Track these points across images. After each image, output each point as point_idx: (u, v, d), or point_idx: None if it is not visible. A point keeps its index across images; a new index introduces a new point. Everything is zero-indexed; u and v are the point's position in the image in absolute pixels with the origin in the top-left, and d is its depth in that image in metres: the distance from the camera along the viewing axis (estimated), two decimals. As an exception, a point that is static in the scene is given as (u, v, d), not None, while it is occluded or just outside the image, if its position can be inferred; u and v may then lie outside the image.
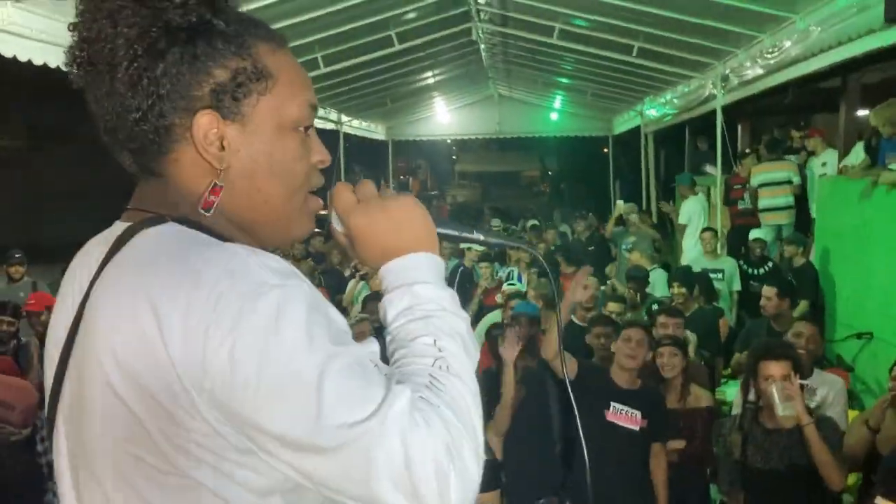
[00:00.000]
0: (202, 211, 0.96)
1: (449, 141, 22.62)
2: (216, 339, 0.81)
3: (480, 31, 9.79)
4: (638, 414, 3.93)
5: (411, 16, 8.48)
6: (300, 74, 1.02)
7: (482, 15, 9.21)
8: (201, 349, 0.81)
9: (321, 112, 11.85)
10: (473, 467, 0.87)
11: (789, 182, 8.19)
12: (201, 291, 0.83)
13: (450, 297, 1.00)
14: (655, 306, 6.11)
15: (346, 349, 0.86)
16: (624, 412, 3.93)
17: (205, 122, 0.94)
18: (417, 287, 0.99)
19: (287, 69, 1.00)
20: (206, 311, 0.82)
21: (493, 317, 5.93)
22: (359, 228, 1.03)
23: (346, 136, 13.87)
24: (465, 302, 6.86)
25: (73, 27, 0.95)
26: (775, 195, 8.21)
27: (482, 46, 10.79)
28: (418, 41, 9.16)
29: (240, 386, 0.81)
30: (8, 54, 4.90)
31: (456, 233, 1.16)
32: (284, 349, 0.82)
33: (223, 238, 0.93)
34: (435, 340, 0.94)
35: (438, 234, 1.06)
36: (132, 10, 0.91)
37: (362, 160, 17.41)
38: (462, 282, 7.80)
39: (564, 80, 12.80)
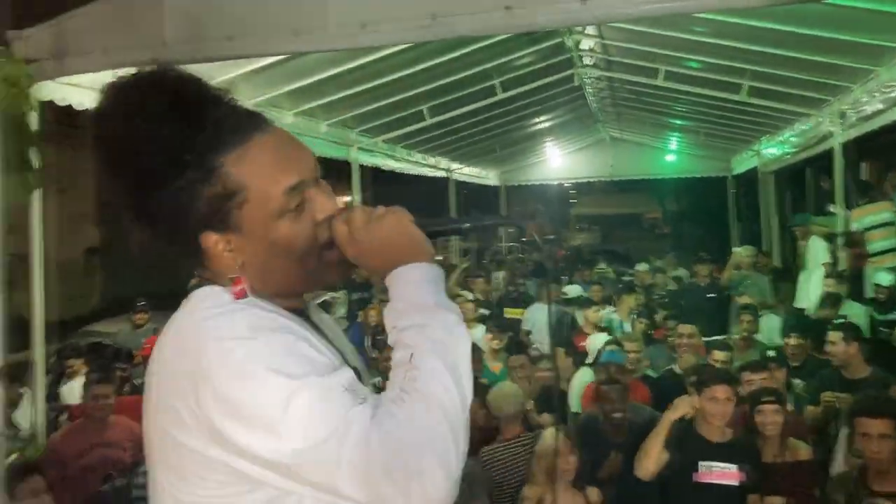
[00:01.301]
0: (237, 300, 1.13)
1: (567, 184, 22.51)
2: (206, 385, 1.01)
3: (584, 77, 9.78)
4: (733, 467, 3.74)
5: (514, 64, 8.60)
6: (273, 164, 1.13)
7: (584, 60, 9.22)
8: (196, 390, 1.02)
9: (431, 160, 12.12)
10: (431, 472, 0.96)
11: (893, 223, 7.71)
12: (187, 355, 1.05)
13: (429, 303, 1.09)
14: (772, 353, 5.84)
15: (308, 381, 1.00)
16: (717, 469, 3.74)
17: (210, 241, 1.13)
18: (398, 302, 1.10)
19: (256, 170, 1.11)
20: (195, 363, 1.03)
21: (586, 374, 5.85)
22: (355, 257, 1.16)
23: (460, 183, 14.12)
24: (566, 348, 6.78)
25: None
26: (886, 236, 7.74)
27: (588, 91, 10.78)
28: (521, 89, 9.25)
29: (225, 417, 1.00)
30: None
31: (442, 227, 1.27)
32: (255, 387, 1.00)
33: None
34: (411, 355, 1.04)
35: (429, 232, 1.17)
36: (120, 185, 1.13)
37: (477, 207, 17.60)
38: (560, 327, 7.75)
39: (677, 121, 12.55)
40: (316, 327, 1.21)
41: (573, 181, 18.56)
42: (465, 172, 14.21)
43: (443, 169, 12.86)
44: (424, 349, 1.04)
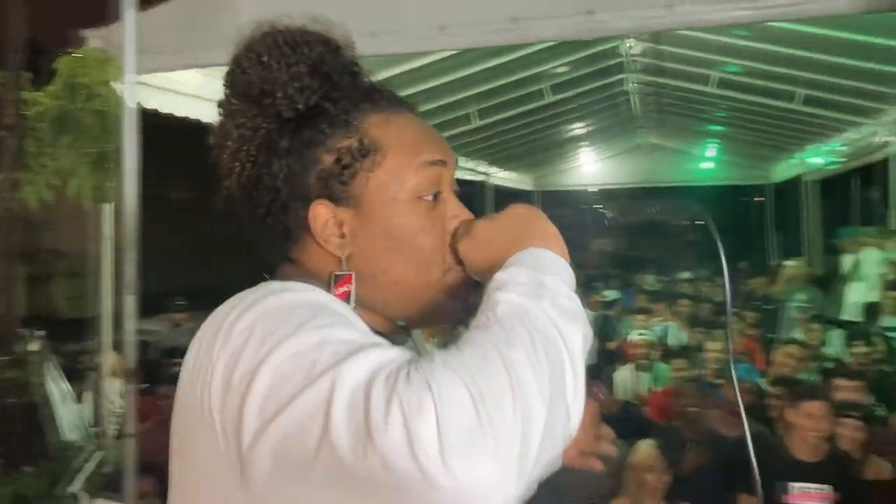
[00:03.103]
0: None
1: (597, 190, 22.42)
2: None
3: (634, 82, 9.73)
4: (828, 489, 3.61)
5: (564, 69, 8.56)
6: (417, 137, 0.96)
7: (636, 65, 9.16)
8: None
9: (470, 164, 12.07)
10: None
11: None
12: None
13: (538, 274, 0.82)
14: (830, 364, 5.76)
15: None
16: (810, 490, 3.61)
17: (320, 212, 0.93)
18: (497, 273, 0.84)
19: (399, 136, 0.95)
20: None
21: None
22: (465, 253, 0.94)
23: (495, 187, 14.08)
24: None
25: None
26: None
27: (635, 97, 10.71)
28: (570, 93, 9.21)
29: None
30: (165, 111, 5.19)
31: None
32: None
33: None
34: (488, 316, 0.78)
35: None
36: (242, 111, 0.93)
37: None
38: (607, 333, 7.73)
39: (719, 128, 12.44)
40: None
41: (605, 187, 18.44)
42: (502, 177, 14.16)
43: (481, 172, 12.83)
44: (511, 309, 0.77)
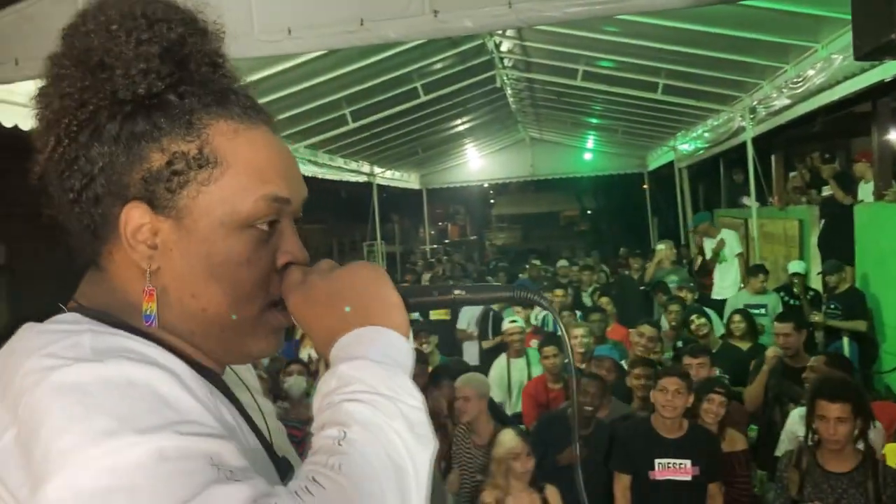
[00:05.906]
0: (147, 326, 0.83)
1: (486, 185, 22.75)
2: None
3: (505, 78, 9.89)
4: (687, 463, 3.77)
5: (436, 67, 8.63)
6: (267, 162, 0.86)
7: (505, 62, 9.31)
8: None
9: (354, 165, 12.00)
10: None
11: None
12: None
13: (389, 377, 0.77)
14: (680, 343, 6.02)
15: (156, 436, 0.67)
16: (672, 465, 3.77)
17: (134, 216, 0.82)
18: (343, 366, 0.78)
19: (247, 156, 0.85)
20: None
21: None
22: (297, 308, 0.86)
23: (380, 187, 14.07)
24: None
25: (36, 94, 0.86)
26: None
27: (508, 92, 10.89)
28: (444, 91, 9.29)
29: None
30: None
31: (429, 298, 0.93)
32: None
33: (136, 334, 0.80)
34: (344, 433, 0.73)
35: (410, 303, 0.88)
36: (73, 78, 0.81)
37: (398, 210, 17.62)
38: (495, 326, 7.81)
39: (594, 120, 12.84)
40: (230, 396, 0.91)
41: (493, 182, 18.76)
42: (387, 176, 14.17)
43: (364, 173, 12.78)
44: (362, 431, 0.73)
